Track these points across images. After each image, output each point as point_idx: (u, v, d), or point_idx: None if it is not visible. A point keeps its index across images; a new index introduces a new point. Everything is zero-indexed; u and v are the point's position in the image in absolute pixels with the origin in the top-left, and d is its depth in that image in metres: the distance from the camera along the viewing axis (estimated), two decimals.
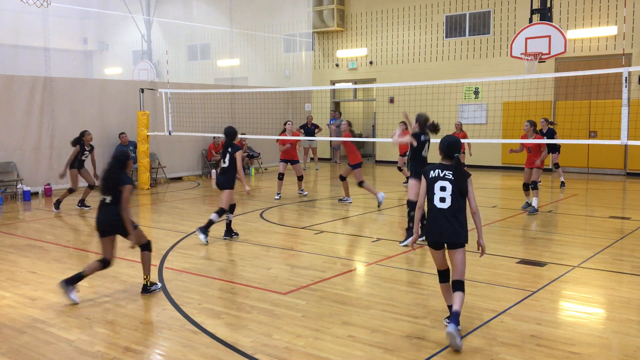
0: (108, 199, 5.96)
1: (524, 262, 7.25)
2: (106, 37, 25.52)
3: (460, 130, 15.75)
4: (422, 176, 5.01)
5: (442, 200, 4.84)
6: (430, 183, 4.92)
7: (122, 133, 14.99)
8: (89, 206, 11.55)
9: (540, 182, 14.41)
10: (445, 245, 4.90)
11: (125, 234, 5.98)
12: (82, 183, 11.80)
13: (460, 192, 4.84)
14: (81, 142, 11.40)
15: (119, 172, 6.02)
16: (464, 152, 16.05)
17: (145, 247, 6.16)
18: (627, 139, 8.80)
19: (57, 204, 11.47)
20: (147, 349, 4.78)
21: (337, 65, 22.52)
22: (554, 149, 14.40)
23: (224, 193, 8.47)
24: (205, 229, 8.38)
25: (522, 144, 10.95)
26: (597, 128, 16.09)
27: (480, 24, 19.13)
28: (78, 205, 11.67)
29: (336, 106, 23.11)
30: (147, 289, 6.12)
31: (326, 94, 22.56)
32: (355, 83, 21.93)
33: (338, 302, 5.77)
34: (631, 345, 4.70)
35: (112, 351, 4.68)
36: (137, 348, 4.75)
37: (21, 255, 7.97)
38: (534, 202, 10.70)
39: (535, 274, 6.70)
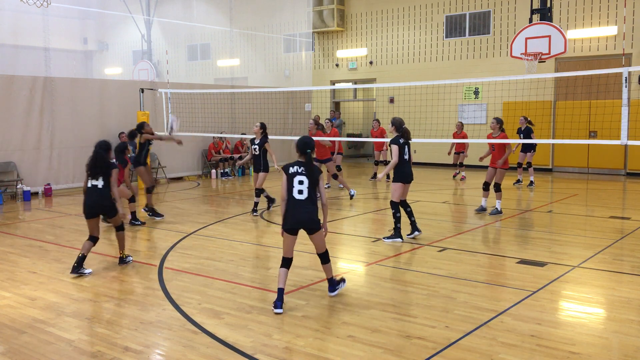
0: (100, 183, 6.90)
1: (524, 262, 7.25)
2: (106, 37, 25.52)
3: (461, 130, 15.79)
4: (283, 172, 5.76)
5: (300, 192, 5.61)
6: (290, 178, 5.66)
7: (122, 133, 14.99)
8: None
9: (522, 182, 14.53)
10: (306, 230, 5.66)
11: (110, 215, 7.10)
12: None
13: (312, 185, 5.62)
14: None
15: (106, 157, 6.98)
16: (463, 152, 16.09)
17: (120, 227, 7.28)
18: (627, 139, 8.80)
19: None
20: (147, 349, 4.77)
21: (337, 65, 22.52)
22: (530, 147, 14.24)
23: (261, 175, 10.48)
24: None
25: (489, 144, 10.53)
26: (597, 128, 16.09)
27: (480, 24, 19.13)
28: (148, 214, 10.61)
29: (336, 106, 23.10)
30: (123, 260, 7.28)
31: (326, 94, 22.55)
32: (355, 83, 21.93)
33: (338, 302, 5.77)
34: (631, 345, 4.70)
35: (112, 351, 4.68)
36: (137, 348, 4.75)
37: (21, 255, 7.97)
38: (497, 205, 10.47)
39: (535, 274, 6.69)
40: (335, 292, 5.93)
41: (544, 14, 15.08)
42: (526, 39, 14.57)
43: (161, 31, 24.33)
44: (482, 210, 10.69)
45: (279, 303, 5.50)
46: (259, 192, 10.65)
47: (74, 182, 14.37)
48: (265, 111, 17.63)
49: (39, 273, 7.03)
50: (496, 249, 7.97)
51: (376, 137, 15.67)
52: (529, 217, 10.48)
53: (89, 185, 6.96)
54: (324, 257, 5.85)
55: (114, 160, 7.41)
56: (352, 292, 6.14)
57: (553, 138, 17.14)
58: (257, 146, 10.71)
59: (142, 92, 15.00)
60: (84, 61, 25.19)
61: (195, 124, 15.95)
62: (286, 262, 5.69)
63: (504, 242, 8.49)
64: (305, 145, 5.73)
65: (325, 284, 6.37)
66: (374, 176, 15.94)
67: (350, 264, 7.44)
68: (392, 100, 20.77)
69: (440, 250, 7.89)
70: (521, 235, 8.96)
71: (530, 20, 15.25)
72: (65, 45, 21.15)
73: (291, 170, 5.66)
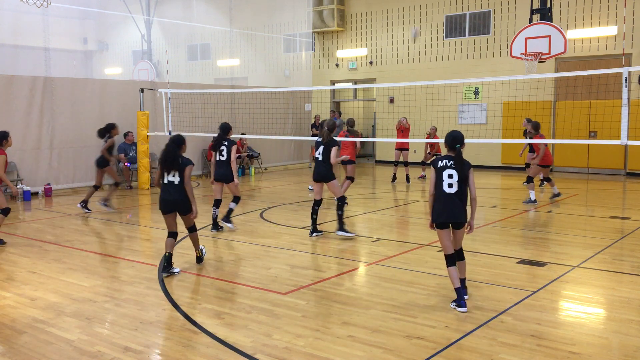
0: (176, 180, 6.79)
1: (524, 262, 7.25)
2: (106, 37, 25.52)
3: (433, 136, 15.29)
4: (432, 166, 5.71)
5: (450, 185, 5.56)
6: (439, 171, 5.61)
7: (129, 132, 15.00)
8: (90, 210, 11.26)
9: (552, 181, 14.50)
10: (450, 224, 5.62)
11: (184, 213, 6.92)
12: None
13: (462, 180, 5.55)
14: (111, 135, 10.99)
15: (179, 153, 6.87)
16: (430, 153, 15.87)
17: (193, 229, 7.21)
18: (627, 139, 8.79)
19: (85, 204, 11.20)
20: (147, 349, 4.77)
21: (337, 65, 22.53)
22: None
23: (232, 184, 9.25)
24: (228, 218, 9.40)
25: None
26: (597, 128, 16.09)
27: (480, 24, 19.13)
28: (81, 205, 11.29)
29: (336, 106, 23.11)
30: (200, 259, 7.32)
31: (326, 94, 22.56)
32: (355, 83, 21.93)
33: (338, 302, 5.77)
34: (631, 345, 4.70)
35: (112, 351, 4.68)
36: (137, 348, 4.75)
37: (21, 255, 7.97)
38: (532, 195, 11.73)
39: (535, 274, 6.69)
40: (465, 308, 5.44)
41: (544, 14, 15.08)
42: (526, 39, 14.57)
43: (161, 31, 24.34)
44: (556, 195, 12.15)
45: (462, 302, 5.43)
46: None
47: (74, 182, 14.37)
48: (265, 111, 17.65)
49: (39, 273, 7.03)
50: (496, 249, 7.97)
51: (404, 137, 15.31)
52: (529, 217, 10.48)
53: (165, 181, 6.84)
54: (460, 253, 5.75)
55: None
56: (352, 292, 6.14)
57: (553, 138, 17.14)
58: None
59: (142, 92, 15.00)
60: (84, 61, 25.19)
61: (195, 124, 15.96)
62: (450, 259, 5.58)
63: (503, 242, 8.49)
64: (454, 140, 5.64)
65: (326, 285, 6.38)
66: (394, 179, 15.84)
67: (350, 264, 7.44)
68: (392, 100, 20.77)
69: (440, 250, 7.86)
70: (521, 235, 8.96)
71: (530, 20, 15.25)
72: (65, 45, 21.16)
73: (440, 164, 5.62)
